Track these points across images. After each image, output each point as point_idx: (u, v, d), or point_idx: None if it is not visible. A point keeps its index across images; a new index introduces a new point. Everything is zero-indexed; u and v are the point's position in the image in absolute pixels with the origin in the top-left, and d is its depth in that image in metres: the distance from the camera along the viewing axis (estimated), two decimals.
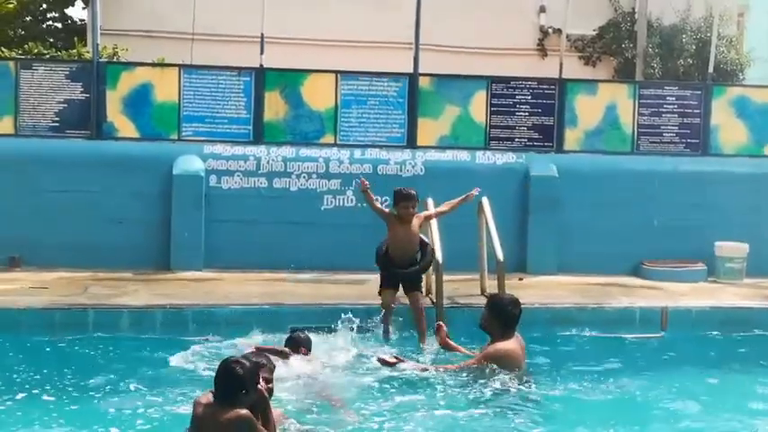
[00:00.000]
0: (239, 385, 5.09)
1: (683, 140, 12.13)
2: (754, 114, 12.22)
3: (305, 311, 9.04)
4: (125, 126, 11.27)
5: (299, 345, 7.64)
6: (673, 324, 9.46)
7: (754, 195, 11.78)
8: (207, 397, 5.20)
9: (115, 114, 11.25)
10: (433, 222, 9.43)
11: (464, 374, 7.16)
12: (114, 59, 13.60)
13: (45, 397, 6.75)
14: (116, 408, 6.50)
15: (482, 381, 6.98)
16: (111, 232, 10.94)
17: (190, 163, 11.09)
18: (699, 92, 12.23)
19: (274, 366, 5.83)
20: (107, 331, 8.50)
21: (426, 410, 6.57)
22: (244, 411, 5.06)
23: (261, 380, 5.29)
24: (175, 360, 7.64)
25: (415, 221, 8.84)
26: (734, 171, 11.88)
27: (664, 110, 12.10)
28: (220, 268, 10.84)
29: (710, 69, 12.55)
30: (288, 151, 11.34)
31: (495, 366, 7.07)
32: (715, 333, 9.28)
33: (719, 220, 11.55)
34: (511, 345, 7.19)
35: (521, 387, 6.91)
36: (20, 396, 6.74)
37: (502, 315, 7.31)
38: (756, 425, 6.51)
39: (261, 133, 11.43)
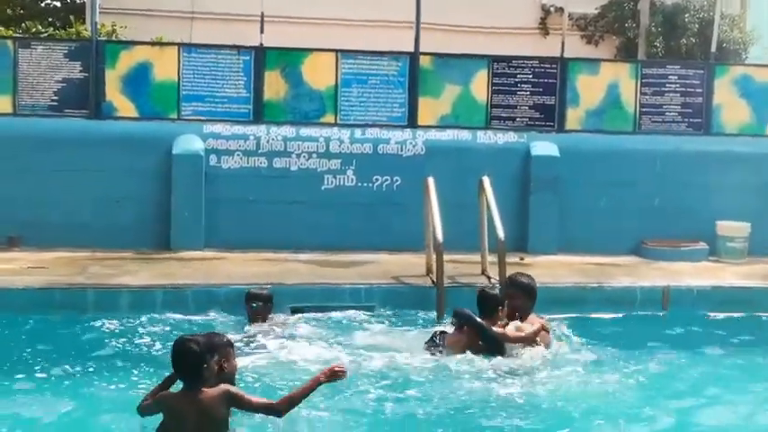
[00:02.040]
0: (198, 361, 4.91)
1: (686, 120, 12.08)
2: (756, 94, 12.16)
3: (306, 291, 9.03)
4: (124, 105, 11.21)
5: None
6: (674, 303, 9.44)
7: (756, 175, 11.73)
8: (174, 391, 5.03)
9: (114, 94, 11.19)
10: (434, 201, 9.40)
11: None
12: (113, 38, 13.52)
13: (41, 375, 6.77)
14: (111, 387, 6.52)
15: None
16: (110, 212, 10.91)
17: (189, 142, 11.03)
18: (701, 71, 12.17)
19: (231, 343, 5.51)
20: (106, 311, 8.46)
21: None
22: (222, 387, 4.97)
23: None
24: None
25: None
26: (736, 150, 11.83)
27: (666, 89, 12.04)
28: (221, 248, 10.81)
29: (713, 48, 12.50)
30: (288, 131, 11.29)
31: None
32: (716, 313, 9.25)
33: (721, 199, 11.49)
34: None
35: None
36: (19, 376, 6.73)
37: (534, 292, 7.35)
38: (749, 404, 6.52)
39: (261, 112, 11.37)
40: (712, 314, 9.23)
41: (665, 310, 9.41)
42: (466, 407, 6.26)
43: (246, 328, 7.87)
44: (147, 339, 7.77)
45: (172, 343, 4.97)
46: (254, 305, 8.02)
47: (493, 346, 7.10)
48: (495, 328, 7.18)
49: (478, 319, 7.21)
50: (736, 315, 9.21)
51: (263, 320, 8.00)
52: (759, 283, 10.02)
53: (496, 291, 7.71)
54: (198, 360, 4.91)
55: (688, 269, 10.60)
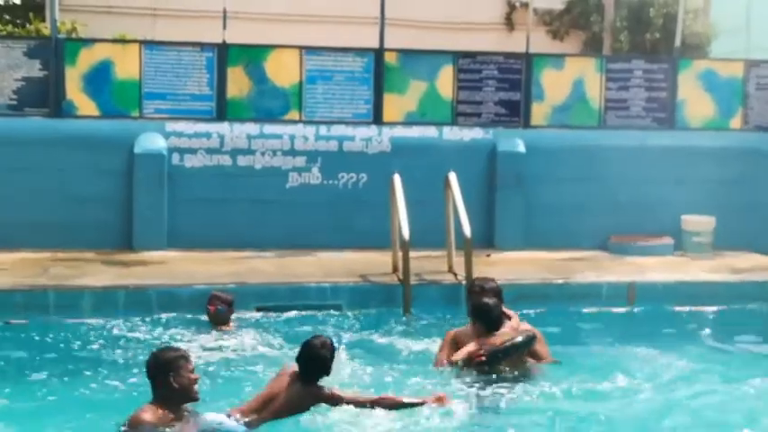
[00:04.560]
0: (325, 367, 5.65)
1: (651, 114, 12.10)
2: (720, 88, 12.22)
3: (271, 290, 8.93)
4: (85, 104, 11.01)
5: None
6: (640, 299, 9.44)
7: (721, 169, 11.75)
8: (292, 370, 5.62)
9: (75, 92, 10.99)
10: (400, 198, 9.34)
11: None
12: (73, 36, 13.31)
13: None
14: (74, 391, 6.39)
15: None
16: (72, 212, 10.70)
17: (152, 141, 10.88)
18: (666, 65, 12.20)
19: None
20: (68, 313, 8.32)
21: None
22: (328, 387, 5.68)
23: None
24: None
25: None
26: (700, 145, 11.85)
27: (631, 84, 12.05)
28: (184, 248, 10.65)
29: (677, 43, 12.52)
30: (252, 128, 11.16)
31: None
32: (682, 307, 9.26)
33: (686, 194, 11.53)
34: None
35: None
36: None
37: (502, 294, 7.07)
38: (718, 399, 6.46)
39: (224, 110, 11.21)
40: (678, 308, 9.23)
41: (630, 305, 9.41)
42: None
43: (214, 332, 7.73)
44: (109, 341, 7.63)
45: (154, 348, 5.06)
46: (220, 308, 7.88)
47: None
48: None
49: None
50: (701, 309, 9.23)
51: (225, 324, 7.88)
52: (724, 277, 10.06)
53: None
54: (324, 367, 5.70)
55: (654, 264, 10.62)
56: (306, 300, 8.86)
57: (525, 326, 7.00)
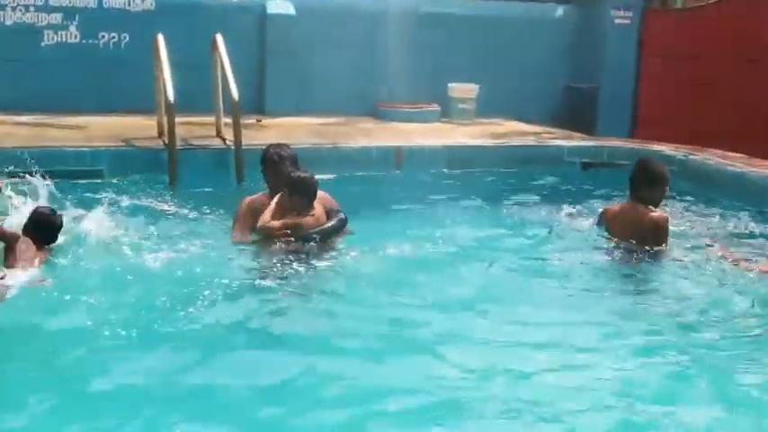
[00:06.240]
0: None
1: None
2: None
3: (25, 155, 8.35)
4: None
5: None
6: (408, 163, 9.65)
7: (484, 37, 12.08)
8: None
9: None
10: (164, 60, 8.91)
11: None
12: None
13: None
14: None
15: None
16: None
17: None
18: None
19: None
20: None
21: None
22: None
23: None
24: None
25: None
26: (466, 13, 12.11)
27: None
28: None
29: None
30: None
31: None
32: (446, 170, 9.56)
33: (453, 61, 11.78)
34: None
35: None
36: None
37: None
38: (491, 250, 6.70)
39: None
40: (443, 171, 9.53)
41: (399, 169, 9.60)
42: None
43: None
44: None
45: None
46: None
47: None
48: None
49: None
50: (464, 172, 9.56)
51: None
52: (484, 142, 10.45)
53: None
54: None
55: (421, 129, 10.86)
56: (63, 166, 8.35)
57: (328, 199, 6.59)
